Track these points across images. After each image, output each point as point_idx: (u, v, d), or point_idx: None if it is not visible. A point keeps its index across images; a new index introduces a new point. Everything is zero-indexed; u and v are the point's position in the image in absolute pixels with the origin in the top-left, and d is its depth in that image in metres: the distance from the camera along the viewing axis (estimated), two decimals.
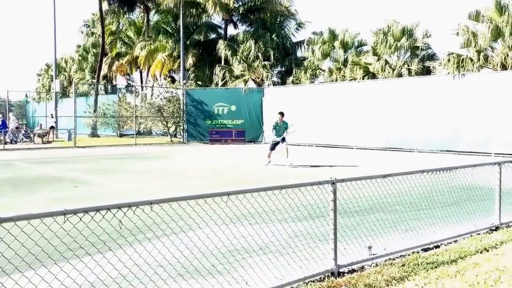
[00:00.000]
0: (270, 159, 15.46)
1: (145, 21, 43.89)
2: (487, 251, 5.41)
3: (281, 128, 15.44)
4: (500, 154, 17.39)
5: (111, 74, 47.37)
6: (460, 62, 23.97)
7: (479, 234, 6.22)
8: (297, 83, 30.72)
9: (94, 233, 3.66)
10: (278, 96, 27.55)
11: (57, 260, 3.68)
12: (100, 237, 3.79)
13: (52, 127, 30.80)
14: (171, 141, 29.80)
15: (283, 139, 15.27)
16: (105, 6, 39.09)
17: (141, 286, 4.05)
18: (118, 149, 24.23)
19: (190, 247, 4.47)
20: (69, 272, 3.57)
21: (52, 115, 34.34)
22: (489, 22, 23.24)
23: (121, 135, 34.52)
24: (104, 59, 41.32)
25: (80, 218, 3.36)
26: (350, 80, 28.32)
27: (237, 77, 33.86)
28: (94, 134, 33.94)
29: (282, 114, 15.54)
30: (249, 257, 5.02)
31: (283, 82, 33.23)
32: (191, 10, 37.18)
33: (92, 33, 52.57)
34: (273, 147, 15.37)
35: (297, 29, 37.34)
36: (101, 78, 40.52)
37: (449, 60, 24.40)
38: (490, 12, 23.61)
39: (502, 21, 22.97)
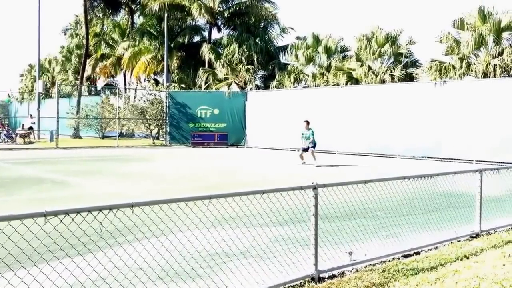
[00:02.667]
0: (303, 160, 17.00)
1: (129, 23, 43.68)
2: (467, 258, 5.47)
3: (307, 135, 16.91)
4: (481, 161, 17.58)
5: (94, 76, 46.98)
6: (443, 69, 24.30)
7: (459, 241, 6.28)
8: (280, 88, 30.81)
9: (75, 235, 3.64)
10: (261, 100, 27.61)
11: (36, 262, 3.63)
12: (81, 239, 3.76)
13: (30, 128, 30.38)
14: (154, 143, 29.65)
15: (311, 146, 16.78)
16: (90, 7, 38.79)
17: None
18: (100, 150, 24.04)
19: (171, 250, 4.44)
20: (48, 274, 3.52)
21: (31, 115, 33.87)
22: (473, 30, 23.54)
23: (104, 137, 34.22)
24: (88, 60, 40.95)
25: (61, 220, 3.33)
26: (333, 85, 28.49)
27: (220, 81, 33.86)
28: (76, 135, 33.59)
29: (307, 122, 17.09)
30: (229, 261, 5.01)
31: (266, 86, 33.27)
32: (176, 13, 37.12)
33: (76, 34, 52.20)
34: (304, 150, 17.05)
35: (280, 33, 37.58)
36: (84, 79, 40.15)
37: (431, 67, 24.69)
38: (474, 20, 23.91)
39: (486, 29, 23.28)
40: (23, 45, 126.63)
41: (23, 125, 31.06)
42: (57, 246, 3.63)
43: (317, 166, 16.28)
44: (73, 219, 3.38)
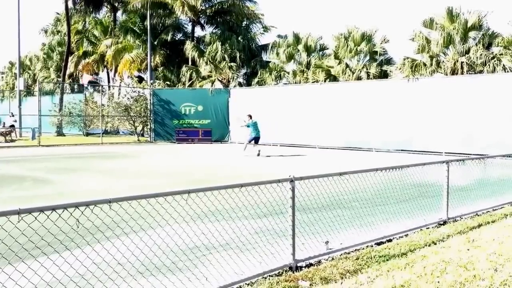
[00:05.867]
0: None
1: (112, 20, 43.37)
2: (435, 244, 5.68)
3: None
4: (450, 153, 18.24)
5: (77, 73, 46.60)
6: (415, 67, 25.07)
7: (428, 228, 6.52)
8: (262, 84, 31.07)
9: (50, 232, 3.61)
10: (244, 96, 27.80)
11: (11, 260, 3.64)
12: (57, 236, 3.71)
13: (12, 126, 30.09)
14: (138, 140, 29.56)
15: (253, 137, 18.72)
16: (71, 4, 38.41)
17: (99, 284, 4.03)
18: (84, 148, 23.89)
19: (150, 245, 4.43)
20: (24, 272, 3.52)
21: (12, 113, 33.55)
22: (442, 30, 24.27)
23: (88, 134, 34.04)
24: (70, 57, 40.59)
25: (35, 217, 3.33)
26: (313, 82, 28.92)
27: (204, 78, 33.97)
28: (59, 133, 33.31)
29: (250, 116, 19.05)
30: (209, 254, 5.09)
31: (249, 83, 33.50)
32: (159, 10, 37.03)
33: (58, 32, 51.62)
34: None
35: (262, 32, 37.80)
36: (67, 77, 39.82)
37: (404, 64, 25.41)
38: (442, 20, 24.68)
39: (453, 29, 24.05)
40: (3, 42, 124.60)
41: (4, 123, 30.74)
42: (32, 244, 3.60)
43: (245, 155, 18.44)
44: (48, 216, 3.38)
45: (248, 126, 18.81)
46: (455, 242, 5.73)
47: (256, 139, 18.78)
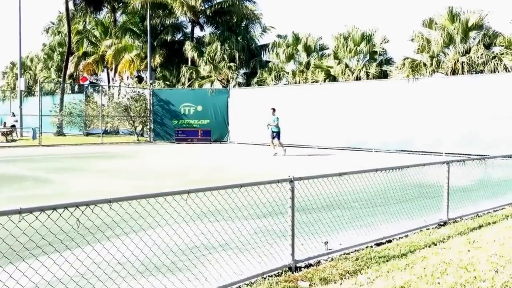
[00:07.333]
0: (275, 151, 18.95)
1: (112, 21, 43.40)
2: (435, 245, 5.66)
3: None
4: (450, 153, 18.25)
5: (77, 73, 46.62)
6: (415, 67, 24.98)
7: (428, 229, 6.50)
8: (262, 84, 31.08)
9: (51, 231, 3.63)
10: (243, 97, 27.80)
11: (12, 259, 3.63)
12: (58, 235, 3.74)
13: (13, 126, 30.11)
14: (138, 140, 29.58)
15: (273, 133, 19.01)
16: (71, 5, 38.46)
17: (99, 284, 4.03)
18: (84, 148, 23.91)
19: (150, 245, 4.43)
20: (24, 271, 3.53)
21: (13, 113, 33.58)
22: (442, 30, 24.26)
23: (88, 134, 34.08)
24: (71, 58, 40.61)
25: (36, 217, 3.33)
26: (312, 82, 28.94)
27: (203, 78, 33.97)
28: (60, 133, 33.35)
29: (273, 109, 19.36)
30: (209, 254, 5.07)
31: (248, 83, 33.49)
32: (158, 11, 37.05)
33: (59, 32, 51.68)
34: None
35: (262, 33, 37.88)
36: (67, 77, 39.84)
37: (404, 64, 25.37)
38: (443, 19, 24.61)
39: (454, 29, 24.00)
40: (4, 43, 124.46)
41: (5, 123, 30.76)
42: (33, 244, 3.61)
43: (283, 154, 18.68)
44: (49, 216, 3.39)
45: (275, 121, 19.09)
46: (455, 243, 5.72)
47: (279, 134, 19.21)
